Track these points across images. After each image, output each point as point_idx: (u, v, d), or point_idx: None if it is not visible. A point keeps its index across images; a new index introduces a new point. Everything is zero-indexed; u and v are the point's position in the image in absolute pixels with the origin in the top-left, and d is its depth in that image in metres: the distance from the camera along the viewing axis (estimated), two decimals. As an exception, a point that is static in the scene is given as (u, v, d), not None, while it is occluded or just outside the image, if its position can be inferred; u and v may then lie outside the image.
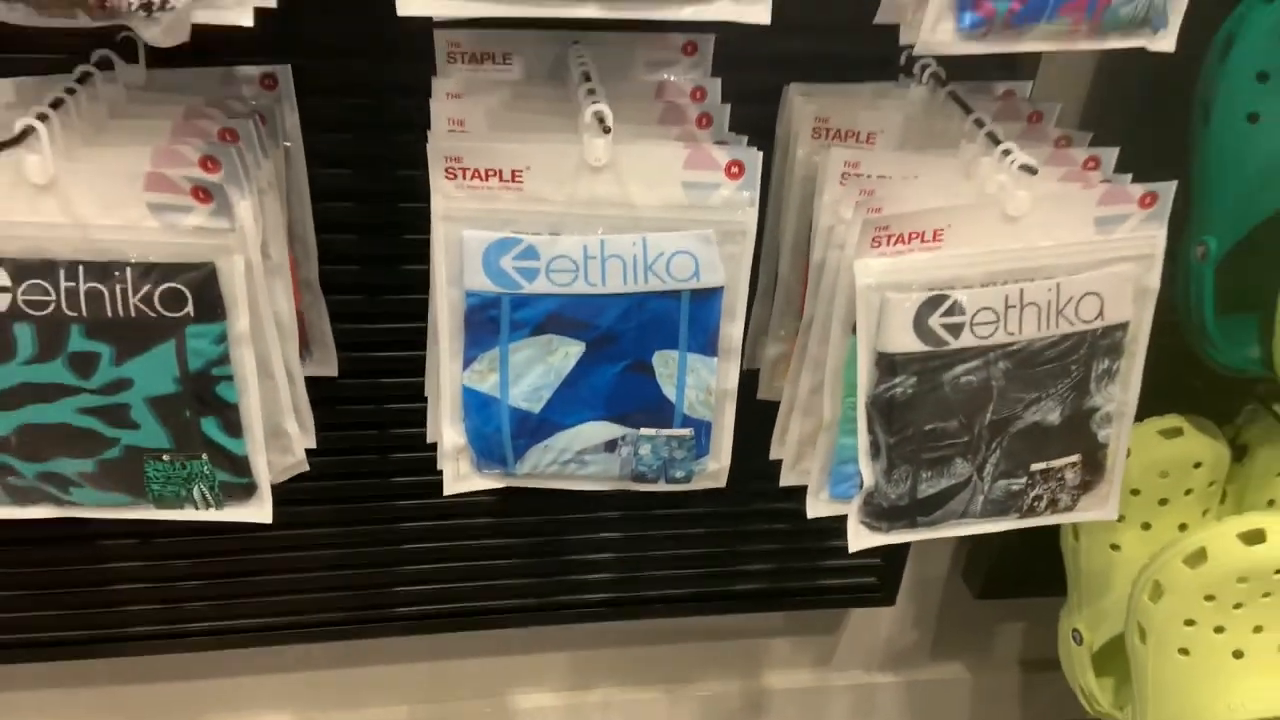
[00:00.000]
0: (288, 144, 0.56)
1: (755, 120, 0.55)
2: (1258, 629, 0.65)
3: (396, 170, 0.62)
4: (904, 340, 0.50)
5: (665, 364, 0.53)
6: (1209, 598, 0.65)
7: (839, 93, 0.59)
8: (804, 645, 0.98)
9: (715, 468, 0.57)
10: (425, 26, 0.55)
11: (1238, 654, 0.66)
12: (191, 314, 0.48)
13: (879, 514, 0.56)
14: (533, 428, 0.54)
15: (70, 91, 0.47)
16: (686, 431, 0.55)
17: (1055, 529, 0.79)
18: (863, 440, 0.53)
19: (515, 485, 0.57)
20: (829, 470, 0.57)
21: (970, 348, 0.51)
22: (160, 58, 0.47)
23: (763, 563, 0.86)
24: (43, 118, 0.44)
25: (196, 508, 0.54)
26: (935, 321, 0.50)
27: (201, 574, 0.76)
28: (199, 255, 0.47)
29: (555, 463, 0.55)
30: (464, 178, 0.49)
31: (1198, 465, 0.72)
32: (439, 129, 0.51)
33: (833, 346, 0.53)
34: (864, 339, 0.51)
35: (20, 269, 0.46)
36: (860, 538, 0.57)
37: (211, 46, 0.47)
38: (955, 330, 0.51)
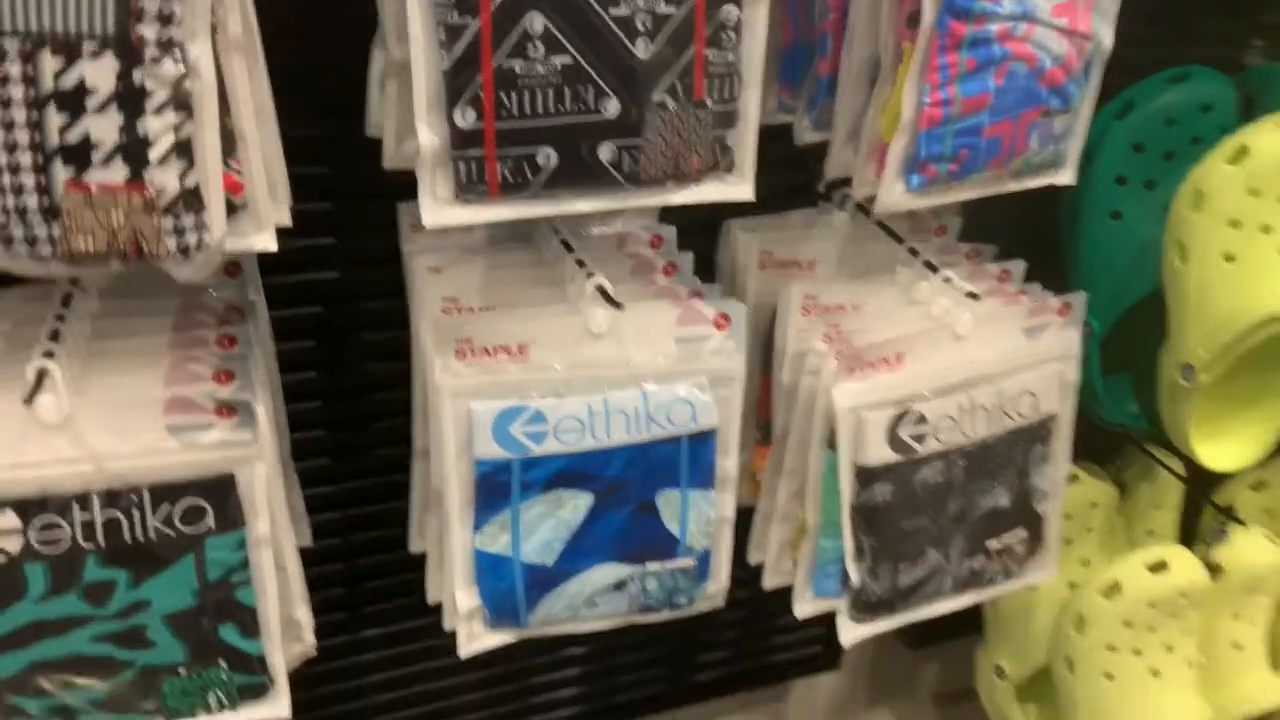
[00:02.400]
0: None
1: (696, 250, 0.60)
2: (1169, 649, 0.75)
3: (362, 335, 0.63)
4: (880, 453, 0.56)
5: (668, 503, 0.56)
6: (1127, 624, 0.73)
7: (774, 225, 0.65)
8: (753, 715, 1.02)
9: (715, 589, 0.60)
10: (390, 205, 0.57)
11: (1155, 673, 0.75)
12: (212, 526, 0.47)
13: (866, 608, 0.61)
14: (545, 579, 0.56)
15: (60, 319, 0.46)
16: (689, 562, 0.58)
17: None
18: (849, 545, 0.58)
19: (527, 636, 0.58)
20: (812, 571, 0.62)
21: (935, 452, 0.57)
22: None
23: (718, 651, 0.89)
24: (49, 354, 0.43)
25: (211, 713, 0.52)
26: (904, 432, 0.56)
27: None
28: (219, 468, 0.46)
29: (566, 609, 0.57)
30: (472, 355, 0.51)
31: (1094, 505, 0.82)
32: (432, 311, 0.53)
33: (812, 460, 0.58)
34: (844, 454, 0.56)
35: (30, 508, 0.44)
36: (850, 632, 0.62)
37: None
38: (921, 439, 0.57)
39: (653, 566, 0.57)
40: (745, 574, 0.85)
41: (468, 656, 0.57)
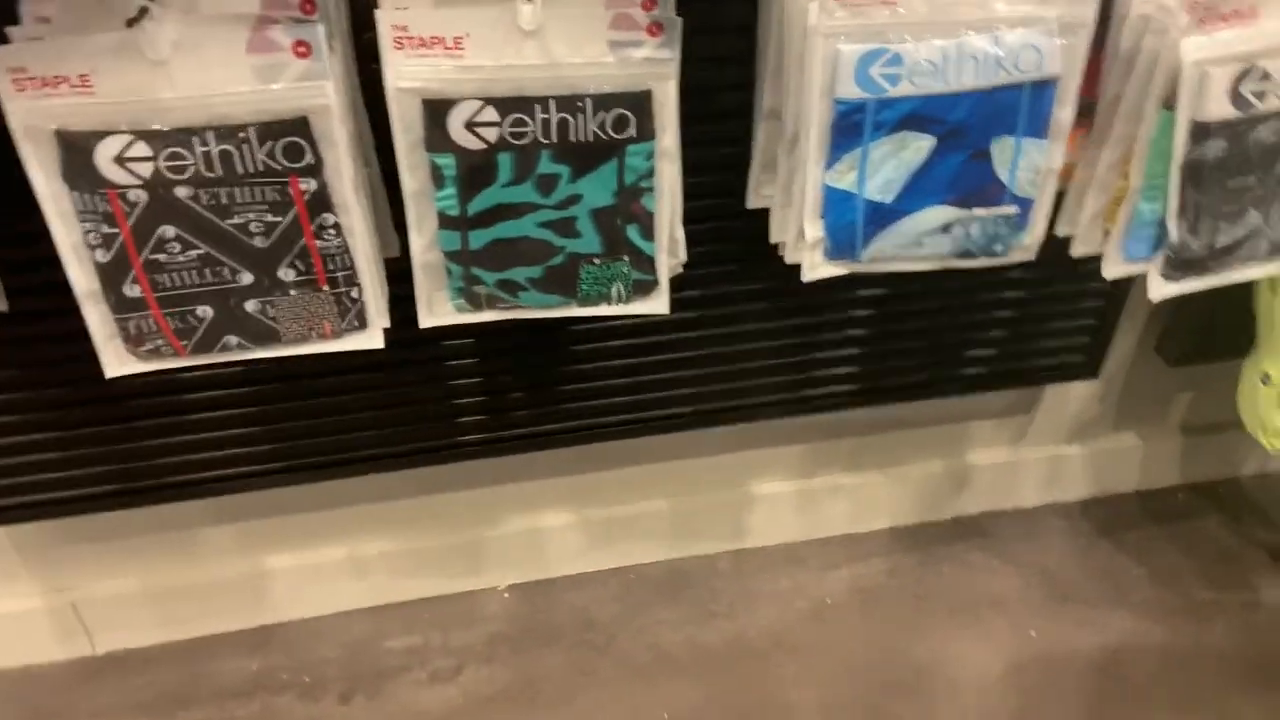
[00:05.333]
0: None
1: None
2: None
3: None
4: (1219, 108, 0.59)
5: (1002, 150, 0.62)
6: None
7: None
8: (1002, 426, 1.10)
9: (1031, 241, 0.67)
10: None
11: None
12: (634, 135, 0.57)
13: (1180, 265, 0.66)
14: (883, 217, 0.64)
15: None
16: (1013, 209, 0.64)
17: (1248, 292, 0.89)
18: (1173, 202, 0.63)
19: (858, 271, 0.67)
20: (1126, 235, 0.67)
21: (1275, 111, 0.60)
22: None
23: (987, 348, 0.97)
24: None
25: (611, 304, 0.65)
26: (1246, 89, 0.59)
27: (521, 386, 0.89)
28: (641, 83, 0.56)
29: (896, 246, 0.66)
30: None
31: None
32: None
33: (1145, 121, 0.62)
34: (1184, 110, 0.60)
35: (506, 105, 0.55)
36: (1160, 288, 0.67)
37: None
38: (1262, 95, 0.59)
39: (979, 211, 0.64)
40: (1024, 275, 0.91)
41: (810, 281, 0.67)
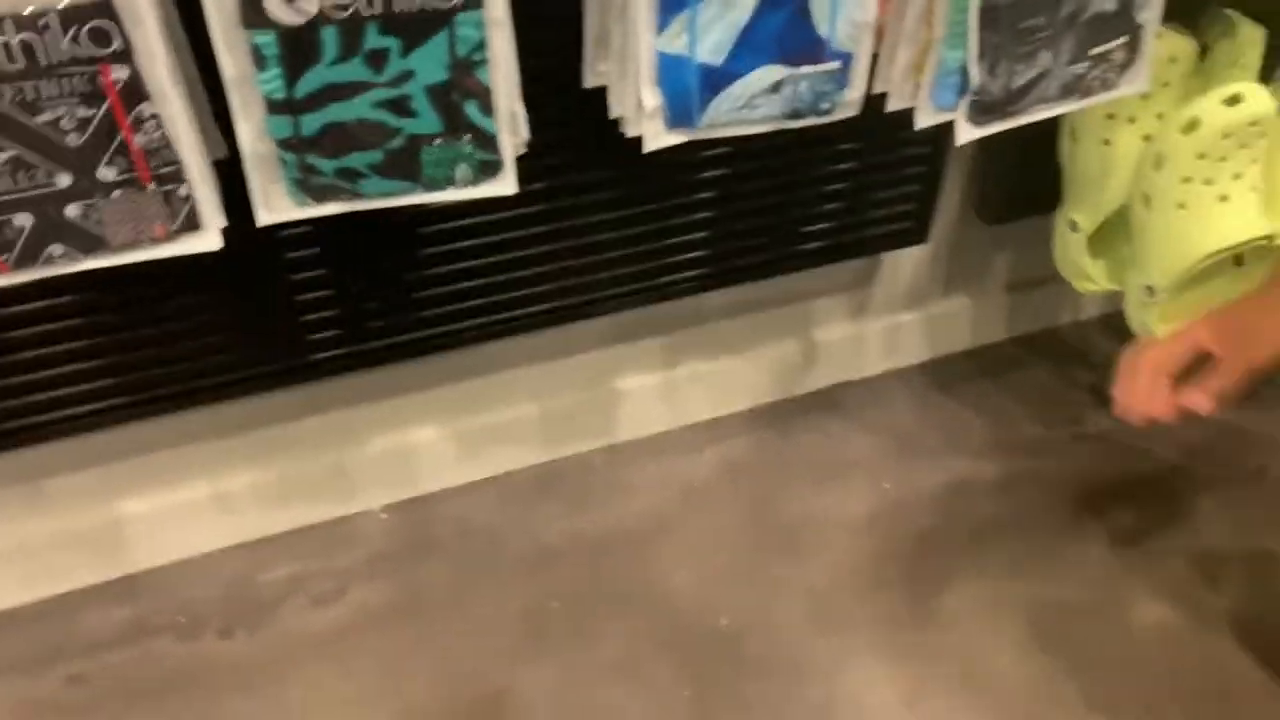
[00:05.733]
0: None
1: None
2: (1237, 176, 0.85)
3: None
4: (1007, -48, 0.64)
5: (821, 6, 0.65)
6: (1201, 156, 0.83)
7: None
8: (845, 300, 1.16)
9: (853, 96, 0.70)
10: None
11: (1223, 198, 0.85)
12: (461, 2, 0.57)
13: (983, 109, 0.71)
14: (716, 80, 0.66)
15: None
16: (835, 65, 0.68)
17: (1053, 147, 0.97)
18: (972, 46, 0.67)
19: (697, 138, 0.69)
20: (933, 85, 0.72)
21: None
22: None
23: (823, 222, 1.01)
24: None
25: (457, 186, 0.64)
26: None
27: (373, 295, 0.87)
28: (465, -53, 0.55)
29: (731, 110, 0.68)
30: None
31: (1173, 60, 0.90)
32: None
33: (946, -29, 0.66)
34: (980, -45, 0.64)
35: (325, -24, 0.54)
36: (966, 132, 0.72)
37: None
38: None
39: (805, 69, 0.67)
40: (852, 145, 0.96)
41: (651, 150, 0.68)
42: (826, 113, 0.71)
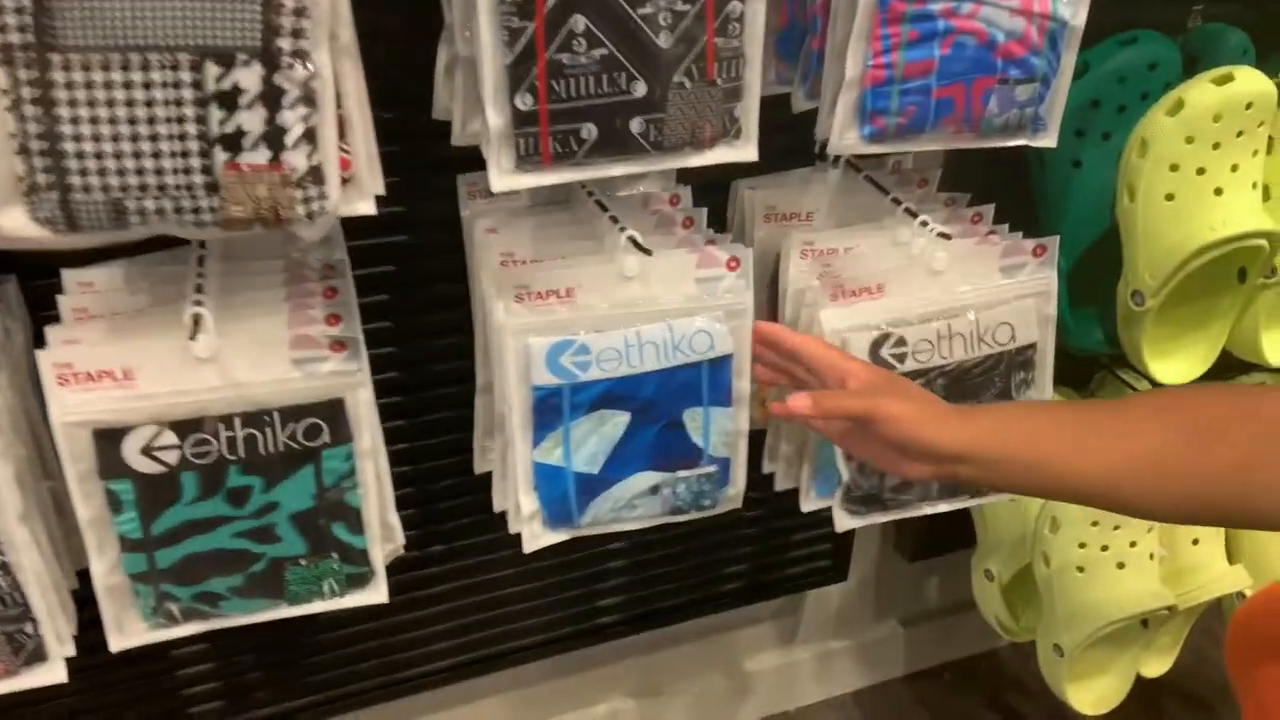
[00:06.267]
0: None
1: (710, 206, 0.70)
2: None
3: (427, 288, 0.74)
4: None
5: (693, 419, 0.67)
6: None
7: (776, 183, 0.75)
8: (773, 629, 1.13)
9: (734, 493, 0.71)
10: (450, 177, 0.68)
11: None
12: (328, 440, 0.58)
13: (857, 501, 0.72)
14: (593, 486, 0.67)
15: (200, 276, 0.56)
16: (712, 469, 0.69)
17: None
18: (840, 450, 0.69)
19: (579, 535, 0.69)
20: (814, 475, 0.73)
21: (914, 370, 0.68)
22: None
23: (740, 564, 1.01)
24: (199, 303, 0.54)
25: (324, 599, 0.63)
26: (886, 352, 0.67)
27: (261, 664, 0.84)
28: (332, 393, 0.57)
29: (611, 511, 0.68)
30: (528, 299, 0.61)
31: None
32: (492, 264, 0.64)
33: (815, 383, 0.68)
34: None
35: (186, 428, 0.55)
36: (844, 521, 0.73)
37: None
38: (902, 358, 0.67)
39: (682, 473, 0.68)
40: (761, 495, 0.97)
41: (531, 551, 0.68)
42: (709, 508, 0.71)
